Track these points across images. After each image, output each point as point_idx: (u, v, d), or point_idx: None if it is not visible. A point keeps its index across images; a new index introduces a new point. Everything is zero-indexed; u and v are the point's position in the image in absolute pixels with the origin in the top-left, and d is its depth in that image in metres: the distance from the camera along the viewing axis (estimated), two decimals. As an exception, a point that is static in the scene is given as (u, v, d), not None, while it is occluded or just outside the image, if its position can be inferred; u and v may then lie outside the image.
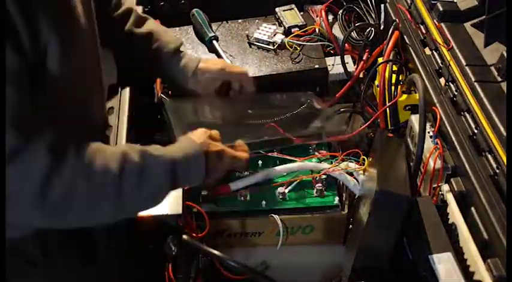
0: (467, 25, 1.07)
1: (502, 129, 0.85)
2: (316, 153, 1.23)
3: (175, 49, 1.18)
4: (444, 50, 1.05)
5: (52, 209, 0.79)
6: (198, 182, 0.95)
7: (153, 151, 0.89)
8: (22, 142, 0.75)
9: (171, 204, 0.99)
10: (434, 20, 1.12)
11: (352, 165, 1.12)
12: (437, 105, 1.02)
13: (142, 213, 0.97)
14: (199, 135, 0.97)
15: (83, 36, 0.89)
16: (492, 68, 0.97)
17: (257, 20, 1.42)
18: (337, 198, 1.13)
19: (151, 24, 1.20)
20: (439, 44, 1.07)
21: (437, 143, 0.97)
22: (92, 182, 0.80)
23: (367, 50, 1.29)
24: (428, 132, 0.99)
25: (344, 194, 1.14)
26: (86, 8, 0.91)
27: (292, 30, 1.35)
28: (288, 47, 1.32)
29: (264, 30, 1.35)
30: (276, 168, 1.17)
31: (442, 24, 1.09)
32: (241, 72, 1.20)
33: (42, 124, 0.79)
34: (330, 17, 1.40)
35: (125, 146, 0.90)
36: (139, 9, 1.34)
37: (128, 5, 1.18)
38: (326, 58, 1.31)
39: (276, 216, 1.10)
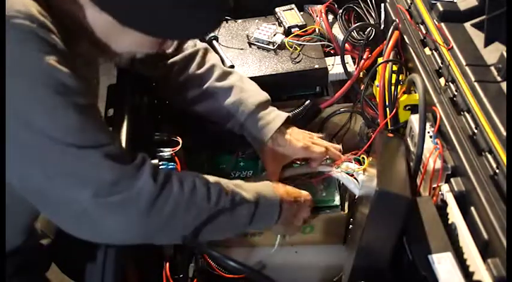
0: (467, 25, 1.07)
1: (502, 129, 0.85)
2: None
3: (256, 105, 1.12)
4: (444, 50, 1.05)
5: (151, 226, 0.84)
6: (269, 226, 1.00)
7: (240, 190, 0.94)
8: (128, 174, 0.81)
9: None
10: (434, 20, 1.12)
11: (352, 166, 1.12)
12: (437, 105, 1.02)
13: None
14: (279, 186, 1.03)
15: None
16: (492, 68, 0.96)
17: (257, 20, 1.42)
18: (337, 198, 1.13)
19: (234, 78, 1.16)
20: (439, 44, 1.07)
21: (437, 143, 0.97)
22: (191, 211, 0.87)
23: (367, 50, 1.29)
24: (428, 132, 0.99)
25: (344, 194, 1.14)
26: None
27: (292, 30, 1.35)
28: (288, 47, 1.32)
29: (264, 30, 1.35)
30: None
31: (442, 24, 1.09)
32: (322, 153, 1.12)
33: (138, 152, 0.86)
34: (330, 17, 1.40)
35: (217, 179, 0.94)
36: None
37: (212, 62, 1.17)
38: (326, 58, 1.31)
39: None
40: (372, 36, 1.29)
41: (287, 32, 1.35)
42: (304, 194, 1.05)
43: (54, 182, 0.78)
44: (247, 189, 0.95)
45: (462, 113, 0.97)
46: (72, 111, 0.76)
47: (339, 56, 1.29)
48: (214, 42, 1.34)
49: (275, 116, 1.12)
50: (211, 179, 0.92)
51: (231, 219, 0.91)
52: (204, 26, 0.87)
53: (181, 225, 0.87)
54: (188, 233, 0.88)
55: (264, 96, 1.15)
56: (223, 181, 0.93)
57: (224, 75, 1.16)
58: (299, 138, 1.11)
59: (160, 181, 0.84)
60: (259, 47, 1.34)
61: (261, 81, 1.26)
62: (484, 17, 1.01)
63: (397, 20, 1.24)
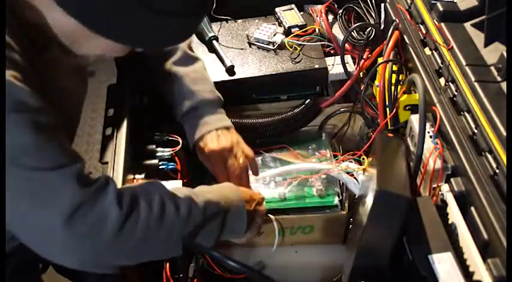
0: (467, 25, 1.07)
1: (502, 129, 0.85)
2: (316, 153, 1.24)
3: (188, 108, 1.12)
4: (444, 50, 1.05)
5: (125, 249, 0.82)
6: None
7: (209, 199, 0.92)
8: (90, 197, 0.78)
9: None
10: (434, 20, 1.12)
11: (352, 165, 1.12)
12: (437, 105, 1.02)
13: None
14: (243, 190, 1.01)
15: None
16: (492, 68, 0.97)
17: (257, 20, 1.42)
18: (337, 198, 1.13)
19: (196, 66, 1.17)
20: (439, 44, 1.07)
21: (437, 143, 0.97)
22: (162, 232, 0.84)
23: (367, 50, 1.29)
24: (428, 132, 0.99)
25: (344, 194, 1.14)
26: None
27: (292, 30, 1.35)
28: (288, 47, 1.32)
29: (264, 30, 1.35)
30: (276, 170, 1.17)
31: (442, 24, 1.09)
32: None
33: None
34: (330, 17, 1.40)
35: (186, 192, 0.92)
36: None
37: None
38: (326, 58, 1.30)
39: (271, 216, 1.10)
40: (372, 36, 1.29)
41: (287, 32, 1.35)
42: (257, 194, 1.05)
43: (17, 205, 0.75)
44: (216, 198, 0.93)
45: (462, 113, 0.97)
46: (30, 130, 0.73)
47: (339, 56, 1.29)
48: (214, 42, 1.34)
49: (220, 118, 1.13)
50: (179, 192, 0.90)
51: (202, 231, 0.90)
52: (177, 34, 0.83)
53: (152, 247, 0.85)
54: (160, 251, 0.88)
55: (217, 95, 1.15)
56: (192, 193, 0.91)
57: (186, 61, 1.16)
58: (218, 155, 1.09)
59: (126, 204, 0.80)
60: (259, 47, 1.34)
61: (261, 81, 1.27)
62: (484, 17, 1.01)
63: (397, 20, 1.24)
